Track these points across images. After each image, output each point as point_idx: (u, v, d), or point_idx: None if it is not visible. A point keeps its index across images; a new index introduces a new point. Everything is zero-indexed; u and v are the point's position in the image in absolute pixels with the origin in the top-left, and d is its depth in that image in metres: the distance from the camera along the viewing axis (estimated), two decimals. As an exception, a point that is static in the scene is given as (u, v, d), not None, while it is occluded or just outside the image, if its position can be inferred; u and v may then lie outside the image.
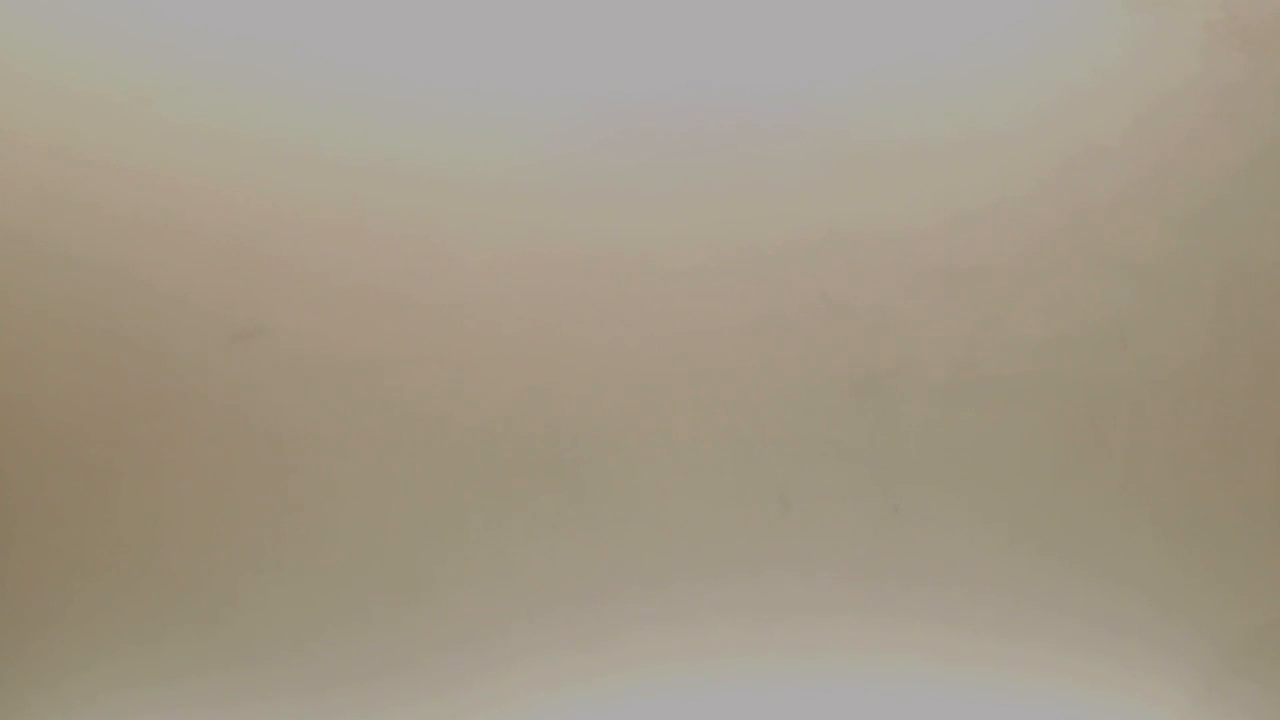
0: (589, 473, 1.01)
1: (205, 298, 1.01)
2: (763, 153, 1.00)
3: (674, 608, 1.01)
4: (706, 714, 1.01)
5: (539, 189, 1.01)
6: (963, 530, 1.01)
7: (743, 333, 1.01)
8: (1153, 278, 1.00)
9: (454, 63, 1.01)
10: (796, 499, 1.01)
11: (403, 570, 1.01)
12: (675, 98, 1.01)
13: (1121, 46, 1.00)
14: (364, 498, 1.01)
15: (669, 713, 1.01)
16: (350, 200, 1.00)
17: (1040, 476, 1.01)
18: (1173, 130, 1.00)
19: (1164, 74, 1.00)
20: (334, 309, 1.01)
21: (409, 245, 1.01)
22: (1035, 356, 1.00)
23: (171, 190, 1.00)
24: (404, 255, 1.01)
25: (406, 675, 1.01)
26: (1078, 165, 1.00)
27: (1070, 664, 1.00)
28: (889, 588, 1.01)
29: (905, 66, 1.00)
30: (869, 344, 1.01)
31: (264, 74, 1.00)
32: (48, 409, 1.01)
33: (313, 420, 1.01)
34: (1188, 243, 1.00)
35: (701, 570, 1.01)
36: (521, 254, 1.01)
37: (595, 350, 1.01)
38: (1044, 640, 1.00)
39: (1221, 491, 1.00)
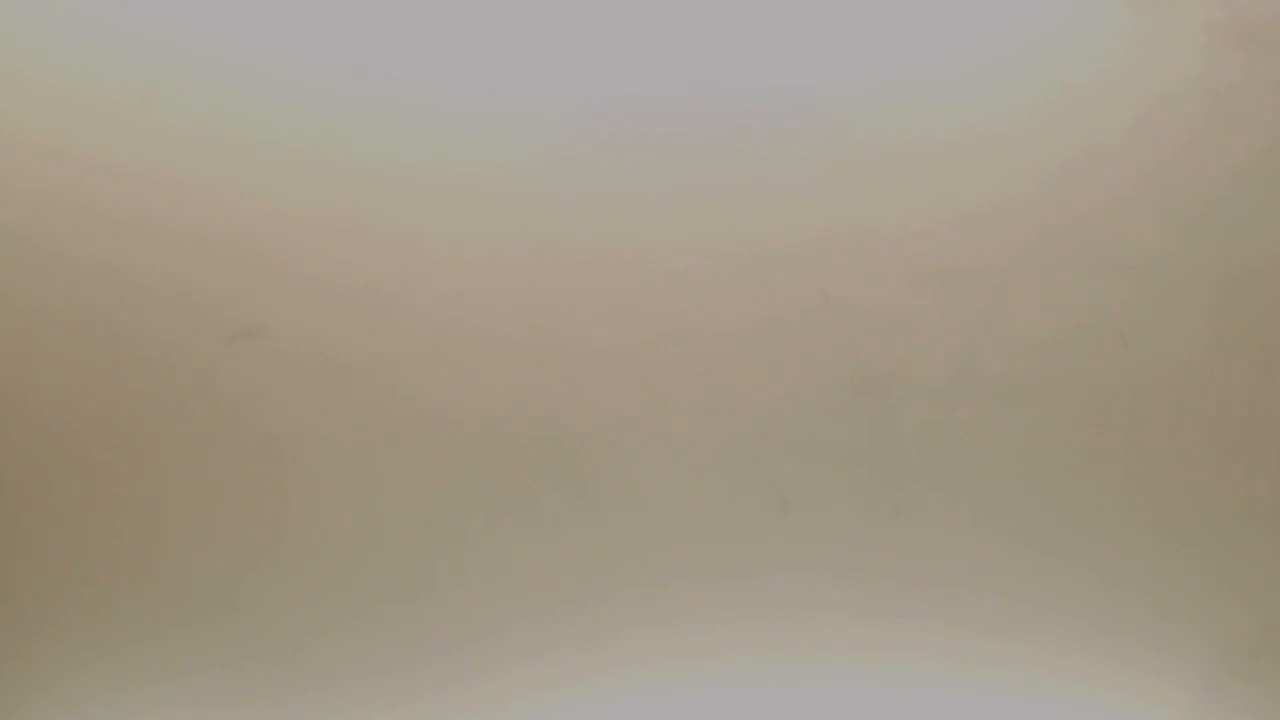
0: (589, 473, 1.01)
1: (205, 298, 1.01)
2: (762, 153, 1.00)
3: (674, 608, 1.01)
4: (706, 714, 1.01)
5: (539, 190, 1.01)
6: (963, 530, 1.01)
7: (743, 333, 1.01)
8: (1153, 278, 1.00)
9: (453, 63, 1.01)
10: (796, 499, 1.01)
11: (403, 570, 1.01)
12: (675, 98, 1.01)
13: (1121, 46, 1.00)
14: (364, 498, 1.01)
15: (669, 713, 1.01)
16: (350, 201, 1.01)
17: (1040, 476, 1.01)
18: (1173, 130, 1.00)
19: (1164, 74, 1.00)
20: (334, 309, 1.01)
21: (409, 245, 1.01)
22: (1035, 356, 1.00)
23: (171, 190, 1.00)
24: (404, 256, 1.01)
25: (407, 674, 1.01)
26: (1078, 165, 1.00)
27: (1070, 664, 1.00)
28: (889, 588, 1.01)
29: (905, 66, 1.00)
30: (869, 344, 1.01)
31: (264, 75, 1.00)
32: (48, 409, 1.01)
33: (312, 420, 1.01)
34: (1188, 243, 1.00)
35: (701, 570, 1.01)
36: (521, 255, 1.01)
37: (595, 350, 1.01)
38: (1044, 640, 1.00)
39: (1221, 491, 1.00)
